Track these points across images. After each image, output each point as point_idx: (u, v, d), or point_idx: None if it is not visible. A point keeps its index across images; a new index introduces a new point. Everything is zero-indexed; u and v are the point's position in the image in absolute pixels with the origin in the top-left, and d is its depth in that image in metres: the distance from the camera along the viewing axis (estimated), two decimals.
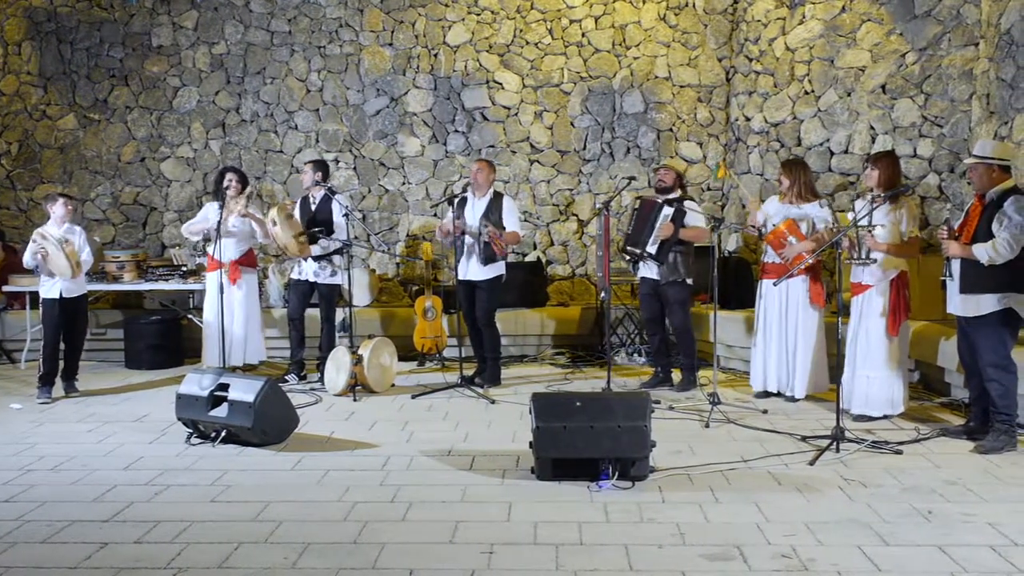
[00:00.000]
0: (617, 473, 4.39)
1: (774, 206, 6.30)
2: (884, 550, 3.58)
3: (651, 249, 6.42)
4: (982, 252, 4.83)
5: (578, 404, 4.46)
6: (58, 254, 6.37)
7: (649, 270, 6.59)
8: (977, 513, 3.97)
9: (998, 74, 6.48)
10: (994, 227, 4.83)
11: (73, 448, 5.22)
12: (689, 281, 6.53)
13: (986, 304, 4.93)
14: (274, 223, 6.64)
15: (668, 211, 6.35)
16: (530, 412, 4.49)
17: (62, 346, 6.67)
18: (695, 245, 6.60)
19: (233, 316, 6.85)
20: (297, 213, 7.03)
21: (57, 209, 6.55)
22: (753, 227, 6.29)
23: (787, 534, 3.75)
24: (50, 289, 6.53)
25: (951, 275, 5.08)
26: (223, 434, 5.19)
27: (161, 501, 4.26)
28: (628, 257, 6.76)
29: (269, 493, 4.35)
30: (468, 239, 6.70)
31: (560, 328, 8.25)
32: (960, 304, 5.06)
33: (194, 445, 5.23)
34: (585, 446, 4.38)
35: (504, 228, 6.66)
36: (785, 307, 6.18)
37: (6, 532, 3.86)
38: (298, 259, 7.04)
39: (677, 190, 6.64)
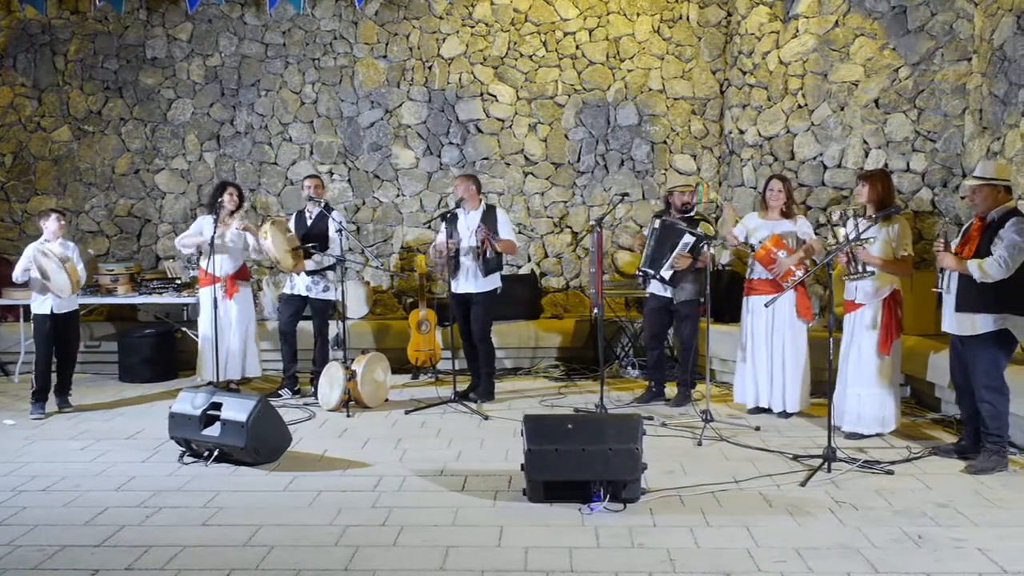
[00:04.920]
0: (609, 495, 4.40)
1: (755, 222, 6.33)
2: None
3: (664, 275, 6.46)
4: (974, 268, 4.83)
5: (569, 427, 4.46)
6: (59, 272, 6.37)
7: (661, 288, 6.62)
8: (967, 538, 3.98)
9: (991, 89, 6.50)
10: (992, 247, 4.84)
11: (65, 467, 5.21)
12: (701, 300, 6.48)
13: (982, 324, 4.92)
14: (266, 236, 6.64)
15: (688, 240, 6.32)
16: (521, 434, 4.49)
17: (55, 361, 6.68)
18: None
19: (231, 331, 6.85)
20: (292, 227, 7.05)
21: (50, 224, 6.56)
22: (737, 241, 6.32)
23: (777, 560, 3.76)
24: (41, 305, 6.53)
25: (947, 289, 5.08)
26: (216, 453, 5.19)
27: (153, 524, 4.26)
28: (641, 275, 6.80)
29: (261, 516, 4.34)
30: (464, 259, 6.67)
31: (554, 340, 8.26)
32: (956, 323, 5.05)
33: (187, 464, 5.23)
34: (576, 469, 4.38)
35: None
36: (772, 321, 6.19)
37: None
38: (290, 273, 7.05)
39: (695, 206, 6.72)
